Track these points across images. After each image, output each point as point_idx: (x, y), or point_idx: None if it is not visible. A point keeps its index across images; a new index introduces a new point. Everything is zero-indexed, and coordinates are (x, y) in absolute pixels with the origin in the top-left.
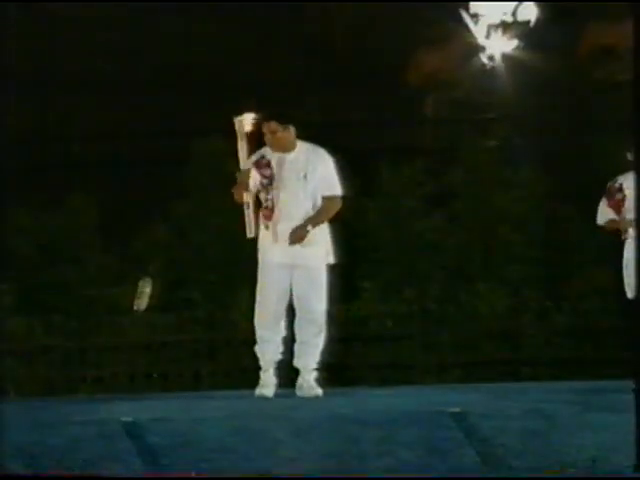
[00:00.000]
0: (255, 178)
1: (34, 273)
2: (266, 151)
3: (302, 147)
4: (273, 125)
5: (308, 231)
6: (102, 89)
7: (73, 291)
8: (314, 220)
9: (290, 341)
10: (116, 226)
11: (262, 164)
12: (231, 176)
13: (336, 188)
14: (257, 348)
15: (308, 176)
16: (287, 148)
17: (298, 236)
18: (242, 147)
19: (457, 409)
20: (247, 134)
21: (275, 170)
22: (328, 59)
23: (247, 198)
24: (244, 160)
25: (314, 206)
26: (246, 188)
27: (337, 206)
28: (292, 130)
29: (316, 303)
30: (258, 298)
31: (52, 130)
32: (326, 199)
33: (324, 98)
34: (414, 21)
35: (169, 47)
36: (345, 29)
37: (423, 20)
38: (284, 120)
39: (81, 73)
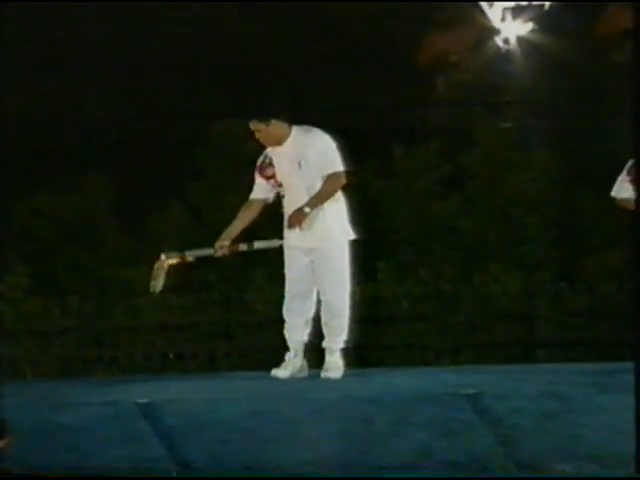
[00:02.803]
0: (262, 185)
1: (51, 255)
2: (268, 149)
3: (295, 135)
4: (254, 124)
5: (307, 213)
6: (119, 72)
7: (89, 273)
8: (313, 201)
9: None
10: (132, 208)
11: (265, 166)
12: (246, 158)
13: (333, 165)
14: (284, 329)
15: (302, 162)
16: (279, 141)
17: (295, 219)
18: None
19: (472, 390)
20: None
21: (276, 165)
22: (343, 41)
23: (224, 249)
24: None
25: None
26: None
27: (339, 182)
28: (276, 123)
29: (328, 285)
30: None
31: (69, 113)
32: (326, 177)
33: (339, 80)
34: (429, 4)
35: (185, 30)
36: (360, 11)
37: (438, 3)
38: (263, 116)
39: (98, 57)
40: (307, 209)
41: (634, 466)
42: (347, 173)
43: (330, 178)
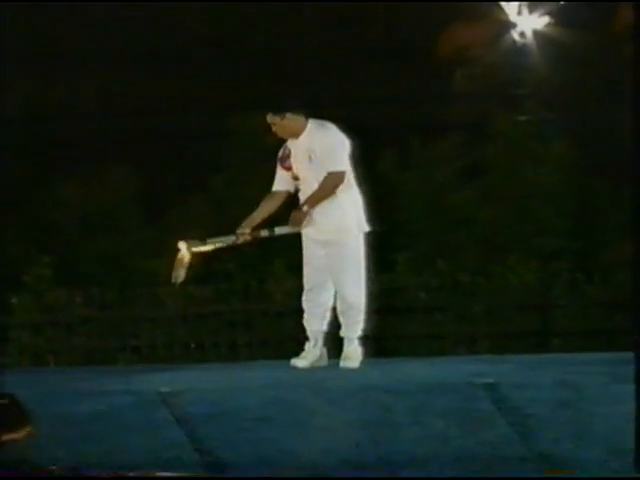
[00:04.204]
0: (283, 176)
1: (74, 246)
2: (288, 141)
3: (310, 128)
4: (269, 117)
5: (306, 212)
6: (143, 65)
7: (112, 263)
8: (311, 200)
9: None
10: (155, 199)
11: (284, 157)
12: (267, 151)
13: (335, 163)
14: (303, 319)
15: (312, 157)
16: (295, 134)
17: (296, 220)
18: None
19: (488, 380)
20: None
21: (292, 157)
22: (361, 35)
23: (246, 237)
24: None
25: None
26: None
27: (336, 181)
28: (291, 116)
29: (343, 277)
30: None
31: (93, 104)
32: (326, 175)
33: (357, 74)
34: None
35: (205, 23)
36: (377, 4)
37: None
38: (278, 110)
39: (123, 49)
40: (306, 208)
41: (634, 466)
42: (358, 171)
43: (327, 177)
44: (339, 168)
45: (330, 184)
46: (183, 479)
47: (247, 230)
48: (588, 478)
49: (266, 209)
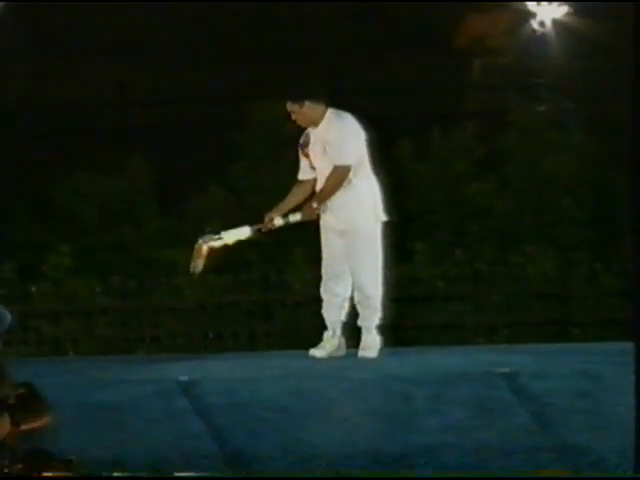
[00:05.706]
0: (305, 164)
1: (93, 235)
2: (309, 128)
3: (328, 118)
4: (289, 105)
5: (316, 208)
6: (161, 55)
7: (131, 253)
8: (320, 195)
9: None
10: (173, 189)
11: (305, 144)
12: (285, 140)
13: (342, 157)
14: (322, 309)
15: (327, 148)
16: (314, 122)
17: (308, 215)
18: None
19: (507, 369)
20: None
21: (310, 146)
22: (379, 24)
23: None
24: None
25: None
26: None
27: (341, 176)
28: (310, 105)
29: (360, 267)
30: None
31: (111, 95)
32: (332, 169)
33: (376, 63)
34: None
35: (224, 13)
36: None
37: None
38: (297, 98)
39: (141, 39)
40: (315, 204)
41: (634, 466)
42: (372, 163)
43: (333, 171)
44: (345, 162)
45: (335, 179)
46: (182, 479)
47: (274, 216)
48: (588, 478)
49: (294, 198)
